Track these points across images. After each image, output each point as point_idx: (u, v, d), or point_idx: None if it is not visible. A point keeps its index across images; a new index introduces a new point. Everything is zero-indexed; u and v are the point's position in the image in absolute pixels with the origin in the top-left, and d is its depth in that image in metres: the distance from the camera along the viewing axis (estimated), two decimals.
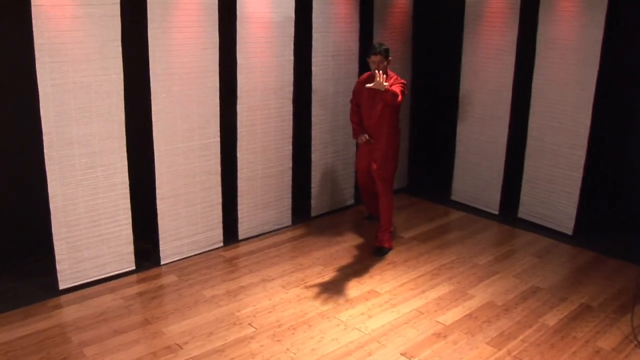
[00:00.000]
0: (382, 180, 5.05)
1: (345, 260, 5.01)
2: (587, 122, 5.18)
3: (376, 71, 4.57)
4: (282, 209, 5.60)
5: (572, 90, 5.25)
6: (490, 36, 5.78)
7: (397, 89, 4.59)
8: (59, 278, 4.31)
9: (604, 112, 5.31)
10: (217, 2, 4.65)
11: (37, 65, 3.91)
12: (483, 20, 5.83)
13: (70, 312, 4.09)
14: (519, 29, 5.55)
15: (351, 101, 5.27)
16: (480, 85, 5.96)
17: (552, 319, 4.11)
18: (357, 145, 5.35)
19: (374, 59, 4.77)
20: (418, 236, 5.54)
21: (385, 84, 4.41)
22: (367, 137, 5.05)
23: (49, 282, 4.39)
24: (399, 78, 4.89)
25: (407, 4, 6.23)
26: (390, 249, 5.18)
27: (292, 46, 5.25)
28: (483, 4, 5.80)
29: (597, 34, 5.01)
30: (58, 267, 4.29)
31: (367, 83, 4.80)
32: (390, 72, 4.94)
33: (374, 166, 5.04)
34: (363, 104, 5.08)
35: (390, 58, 4.88)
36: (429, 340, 3.85)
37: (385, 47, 4.83)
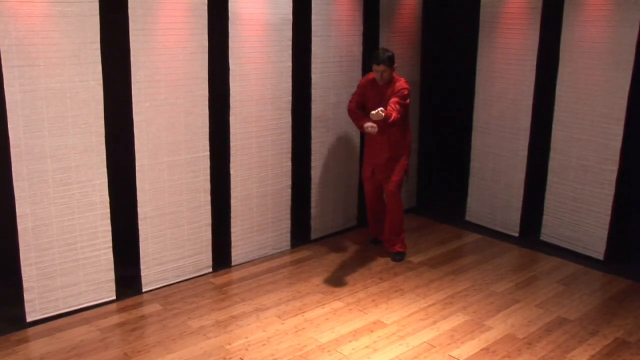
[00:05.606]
0: (389, 181, 5.25)
1: (348, 287, 5.00)
2: (619, 133, 5.17)
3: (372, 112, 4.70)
4: (279, 231, 5.61)
5: (601, 99, 5.24)
6: (509, 39, 5.79)
7: (393, 107, 4.83)
8: (27, 309, 4.25)
9: (638, 123, 5.27)
10: (206, 1, 4.65)
11: (3, 70, 3.87)
12: (500, 22, 5.85)
13: (37, 346, 4.02)
14: (540, 31, 5.54)
15: (353, 94, 5.35)
16: (497, 93, 5.96)
17: (582, 356, 4.03)
18: (362, 154, 5.43)
19: (376, 68, 5.06)
20: (428, 261, 5.52)
21: (381, 113, 4.61)
22: (374, 124, 4.81)
23: (15, 314, 4.32)
24: (403, 83, 5.11)
25: (416, 4, 6.29)
26: (405, 252, 5.52)
27: (290, 51, 5.28)
28: (500, 4, 5.83)
29: (630, 35, 4.99)
30: (26, 296, 4.23)
31: (372, 85, 5.18)
32: (395, 76, 5.19)
33: (383, 164, 5.24)
34: (370, 102, 5.22)
35: (395, 65, 5.14)
36: None
37: (390, 53, 5.08)
